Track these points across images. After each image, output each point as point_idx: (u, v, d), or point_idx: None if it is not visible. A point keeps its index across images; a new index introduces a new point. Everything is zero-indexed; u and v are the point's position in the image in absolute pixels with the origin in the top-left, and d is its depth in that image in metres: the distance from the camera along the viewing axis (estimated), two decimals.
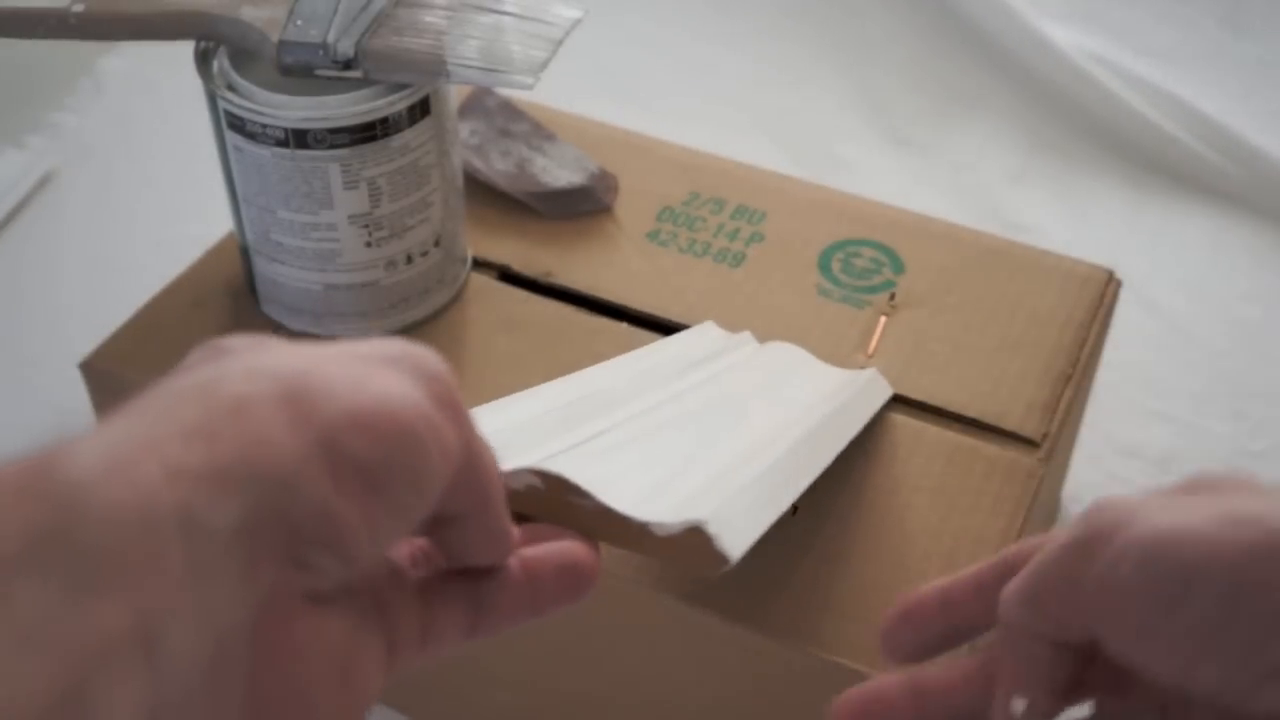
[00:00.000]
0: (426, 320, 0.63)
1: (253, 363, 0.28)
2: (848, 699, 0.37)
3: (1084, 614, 0.32)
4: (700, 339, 0.59)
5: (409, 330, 0.62)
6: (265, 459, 0.26)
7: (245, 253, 0.62)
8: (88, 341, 0.62)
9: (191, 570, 0.24)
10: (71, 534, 0.23)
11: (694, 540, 0.34)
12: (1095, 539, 0.32)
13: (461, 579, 0.33)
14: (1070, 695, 0.35)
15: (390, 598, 0.31)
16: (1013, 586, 0.34)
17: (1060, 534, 0.33)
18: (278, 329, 0.63)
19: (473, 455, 0.31)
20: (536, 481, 0.35)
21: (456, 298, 0.64)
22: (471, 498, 0.31)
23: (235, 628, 0.25)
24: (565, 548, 0.35)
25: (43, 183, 0.97)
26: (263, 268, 0.61)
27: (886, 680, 0.37)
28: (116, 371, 0.61)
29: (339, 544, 0.27)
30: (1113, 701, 0.35)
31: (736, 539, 0.35)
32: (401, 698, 0.65)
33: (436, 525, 0.31)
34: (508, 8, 0.58)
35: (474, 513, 0.31)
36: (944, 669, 0.37)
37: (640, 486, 0.37)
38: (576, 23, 0.57)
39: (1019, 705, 0.34)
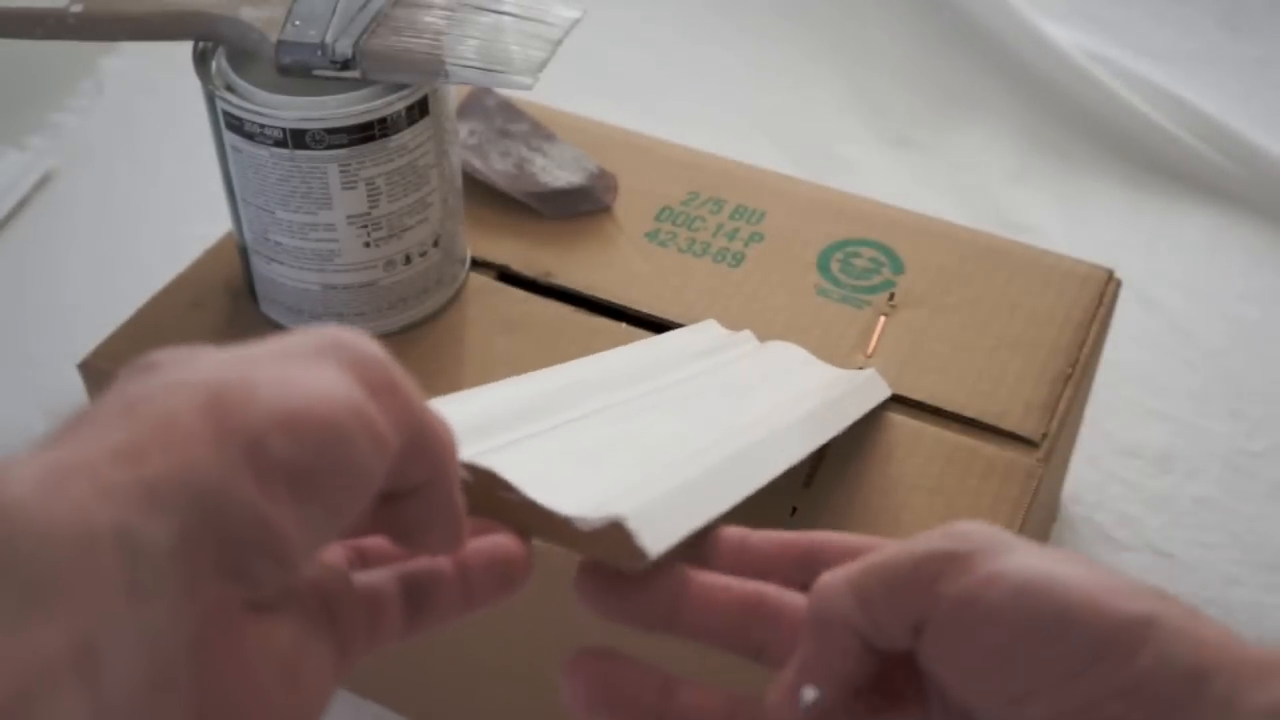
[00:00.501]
0: (425, 320, 0.63)
1: (176, 376, 0.28)
2: (590, 668, 0.36)
3: (920, 625, 0.32)
4: (699, 336, 0.59)
5: (408, 330, 0.62)
6: (193, 473, 0.25)
7: (244, 253, 0.62)
8: (88, 341, 0.62)
9: (129, 589, 0.24)
10: (9, 554, 0.23)
11: (615, 535, 0.34)
12: (960, 559, 0.32)
13: (399, 577, 0.34)
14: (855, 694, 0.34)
15: (336, 597, 0.31)
16: (840, 578, 0.33)
17: (906, 543, 0.33)
18: (277, 329, 0.62)
19: (420, 429, 0.30)
20: (465, 475, 0.35)
21: (455, 298, 0.64)
22: (423, 471, 0.31)
23: (176, 644, 0.25)
24: (497, 543, 0.35)
25: (43, 183, 0.97)
26: (261, 268, 0.61)
27: (636, 666, 0.36)
28: (115, 372, 0.61)
29: (275, 550, 0.27)
30: (886, 704, 0.35)
31: (658, 536, 0.35)
32: (401, 698, 0.65)
33: (388, 503, 0.31)
34: (506, 8, 0.58)
35: (427, 487, 0.31)
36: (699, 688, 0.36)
37: (573, 482, 0.37)
38: (575, 23, 0.57)
39: (809, 695, 0.33)
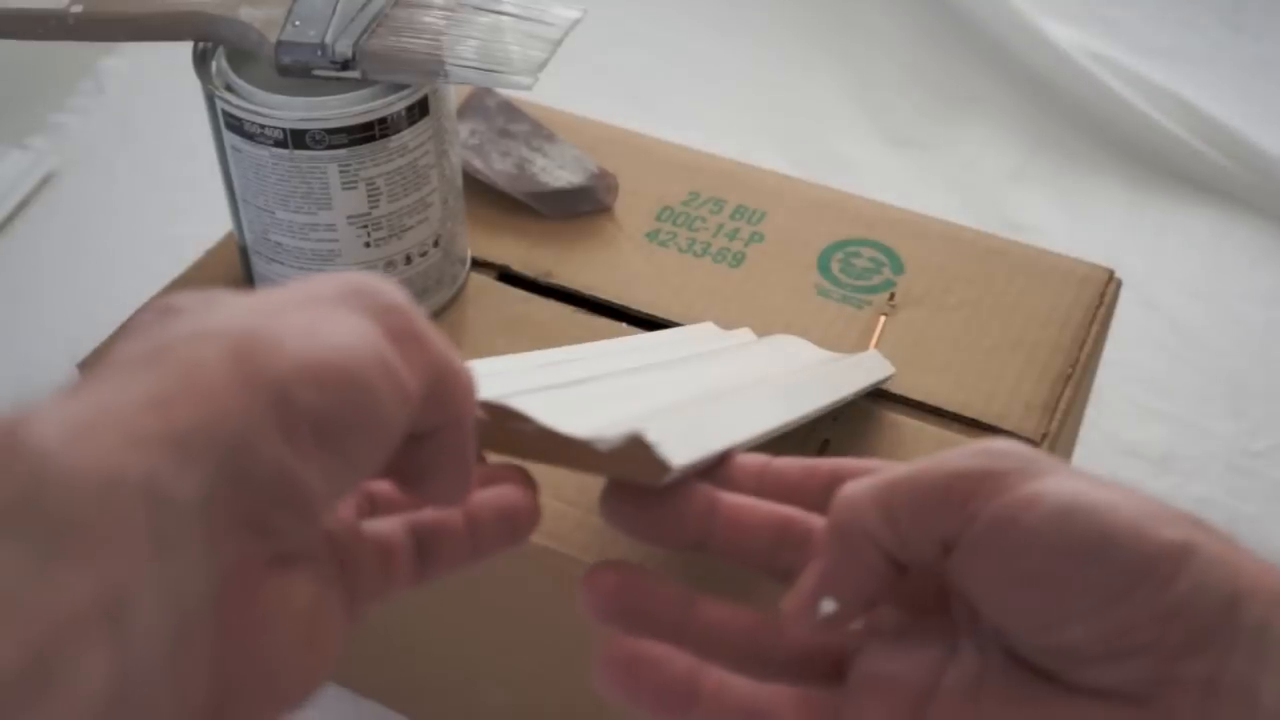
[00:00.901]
0: None
1: (200, 324, 0.27)
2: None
3: (950, 543, 0.31)
4: (698, 332, 0.59)
5: None
6: (220, 424, 0.25)
7: (244, 253, 0.62)
8: (88, 341, 0.62)
9: (156, 540, 0.24)
10: (39, 502, 0.23)
11: (635, 451, 0.34)
12: (996, 477, 0.31)
13: (408, 526, 0.33)
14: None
15: (349, 548, 0.31)
16: (866, 491, 0.33)
17: (937, 458, 0.33)
18: None
19: (441, 376, 0.30)
20: (480, 413, 0.35)
21: (456, 298, 0.64)
22: (440, 416, 0.31)
23: (201, 598, 0.25)
24: (503, 494, 0.35)
25: (44, 183, 0.97)
26: (262, 268, 0.61)
27: (656, 580, 0.36)
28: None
29: (299, 503, 0.27)
30: (909, 616, 0.35)
31: (679, 450, 0.34)
32: (401, 698, 0.65)
33: (401, 446, 0.31)
34: (506, 8, 0.58)
35: (441, 432, 0.31)
36: (725, 608, 0.36)
37: (589, 414, 0.37)
38: (575, 23, 0.57)
39: (828, 607, 0.33)
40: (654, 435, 0.34)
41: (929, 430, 0.57)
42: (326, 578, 0.29)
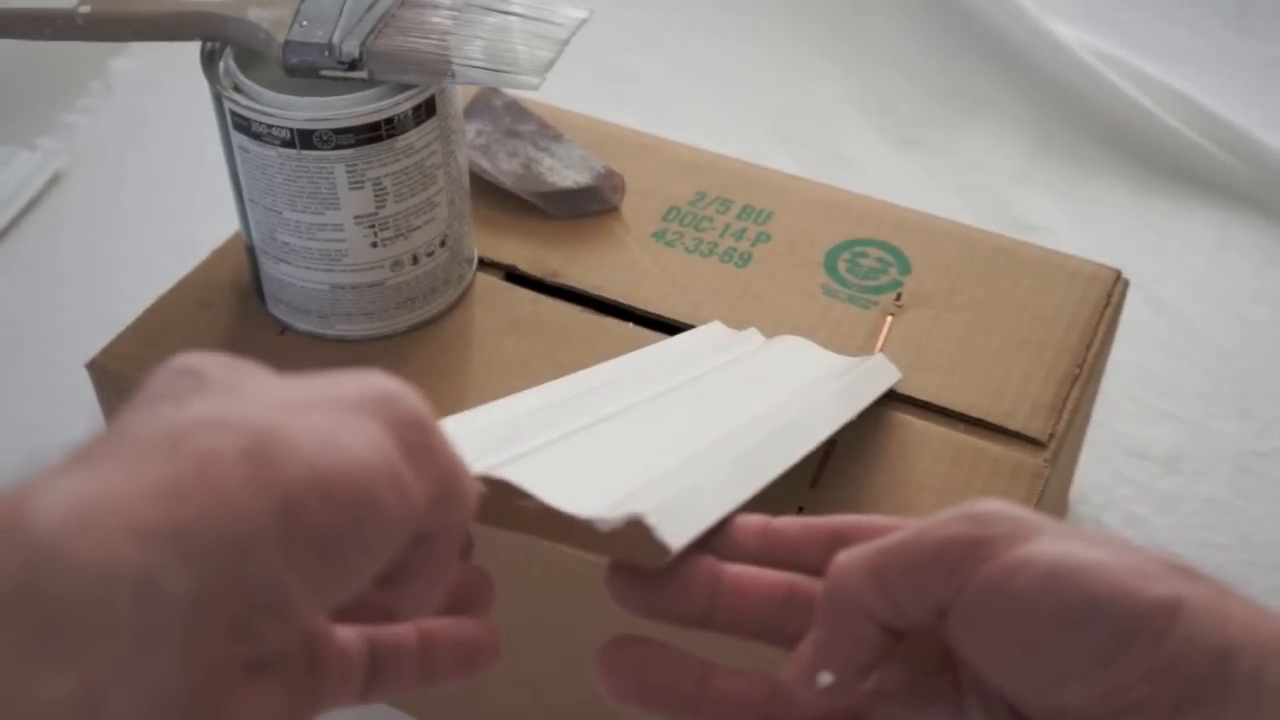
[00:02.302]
0: (432, 320, 0.63)
1: (224, 410, 0.27)
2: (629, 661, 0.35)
3: (944, 609, 0.32)
4: (706, 337, 0.59)
5: (415, 330, 0.62)
6: (225, 524, 0.25)
7: (251, 253, 0.62)
8: (97, 341, 0.62)
9: (140, 637, 0.24)
10: (36, 592, 0.23)
11: (635, 533, 0.34)
12: (984, 544, 0.31)
13: (366, 639, 0.33)
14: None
15: (319, 653, 0.31)
16: (857, 560, 0.33)
17: (925, 525, 0.32)
18: (285, 329, 0.63)
19: (446, 488, 0.30)
20: (480, 487, 0.34)
21: (463, 298, 0.64)
22: (435, 523, 0.30)
23: (175, 697, 0.25)
24: (464, 627, 0.35)
25: (52, 183, 0.97)
26: (269, 268, 0.61)
27: (671, 654, 0.35)
28: (123, 371, 0.61)
29: (288, 612, 0.26)
30: (903, 679, 0.35)
31: (678, 529, 0.34)
32: (409, 698, 0.66)
33: None
34: (513, 8, 0.58)
35: (431, 538, 0.31)
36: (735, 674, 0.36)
37: (588, 485, 0.37)
38: (582, 23, 0.57)
39: (825, 679, 0.33)
40: (654, 518, 0.34)
41: (935, 430, 0.57)
42: (295, 681, 0.30)
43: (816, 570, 0.35)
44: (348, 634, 0.33)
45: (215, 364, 0.30)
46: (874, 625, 0.33)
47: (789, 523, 0.37)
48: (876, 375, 0.57)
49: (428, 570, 0.31)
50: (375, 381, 0.30)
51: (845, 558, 0.33)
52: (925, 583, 0.32)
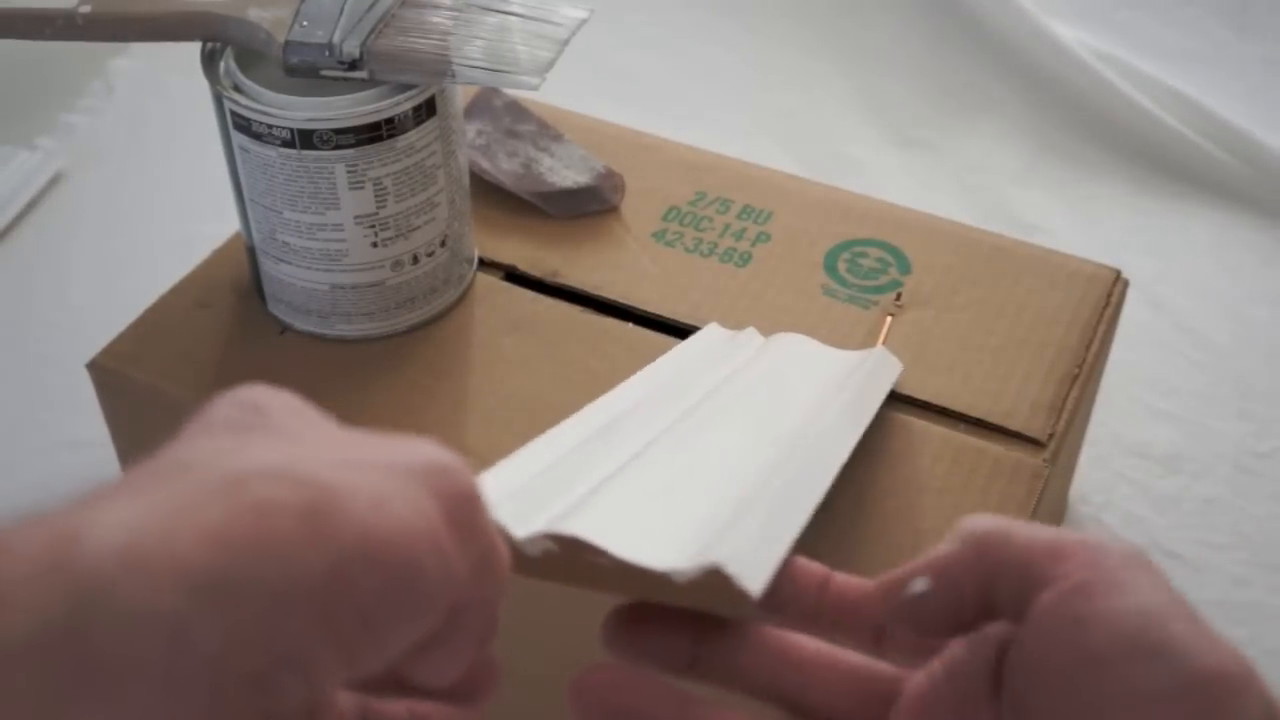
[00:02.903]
0: (433, 320, 0.63)
1: (284, 459, 0.27)
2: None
3: (1027, 600, 0.32)
4: (707, 343, 0.59)
5: (415, 330, 0.62)
6: (272, 579, 0.25)
7: (252, 253, 0.62)
8: (97, 341, 0.62)
9: (169, 683, 0.24)
10: (80, 636, 0.23)
11: (715, 581, 0.33)
12: (1099, 552, 0.32)
13: (361, 710, 0.33)
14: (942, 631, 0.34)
15: (321, 717, 0.31)
16: (1003, 531, 0.33)
17: (1052, 540, 0.33)
18: (285, 329, 0.63)
19: (486, 565, 0.30)
20: (552, 546, 0.34)
21: (463, 298, 0.64)
22: (469, 597, 0.30)
23: None
24: (454, 716, 0.35)
25: (52, 183, 0.97)
26: (269, 268, 0.61)
27: (649, 682, 0.36)
28: (123, 371, 0.61)
29: (314, 674, 0.26)
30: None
31: (756, 573, 0.34)
32: None
33: None
34: (513, 8, 0.58)
35: (463, 612, 0.30)
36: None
37: (655, 530, 0.37)
38: (582, 23, 0.57)
39: (920, 585, 0.33)
40: (734, 566, 0.33)
41: (935, 430, 0.57)
42: None
43: (868, 633, 0.36)
44: (346, 699, 0.33)
45: (279, 404, 0.30)
46: (971, 584, 0.33)
47: (848, 582, 0.37)
48: (882, 372, 0.57)
49: (454, 643, 0.31)
50: (430, 451, 0.30)
51: (984, 517, 0.34)
52: (1037, 562, 0.32)
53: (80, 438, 0.76)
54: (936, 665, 0.35)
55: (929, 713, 0.34)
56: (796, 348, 0.59)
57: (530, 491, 0.37)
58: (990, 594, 0.33)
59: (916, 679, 0.35)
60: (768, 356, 0.58)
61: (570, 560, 0.35)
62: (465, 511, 0.29)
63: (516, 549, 0.34)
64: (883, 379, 0.57)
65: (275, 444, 0.28)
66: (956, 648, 0.34)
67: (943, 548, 0.34)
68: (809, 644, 0.36)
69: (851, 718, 0.35)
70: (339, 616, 0.26)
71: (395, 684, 0.33)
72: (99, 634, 0.23)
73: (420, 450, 0.30)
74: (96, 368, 0.62)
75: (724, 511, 0.39)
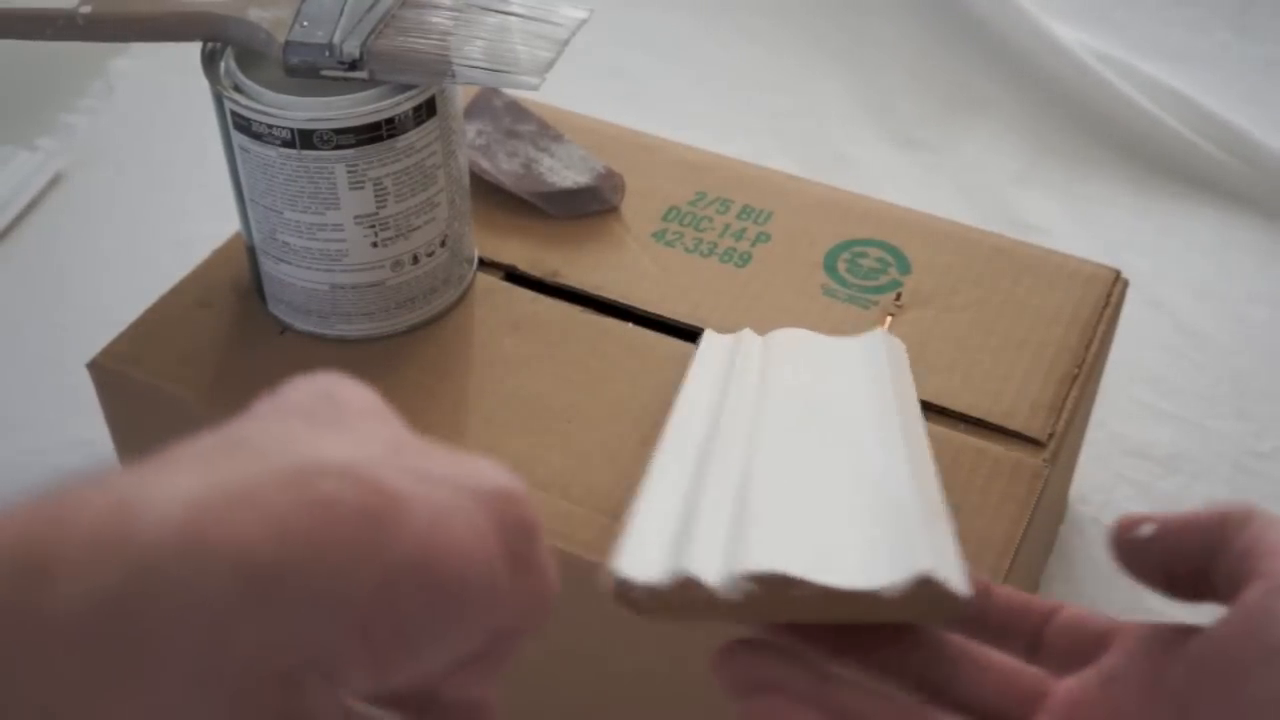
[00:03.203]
0: (433, 320, 0.63)
1: (355, 458, 0.26)
2: None
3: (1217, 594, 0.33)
4: (714, 353, 0.58)
5: (415, 330, 0.62)
6: (322, 579, 0.25)
7: (252, 253, 0.62)
8: (97, 341, 0.62)
9: (204, 671, 0.24)
10: (131, 612, 0.23)
11: (924, 591, 0.33)
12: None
13: None
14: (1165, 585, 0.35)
15: None
16: (1239, 513, 0.34)
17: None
18: (285, 329, 0.63)
19: (538, 603, 0.29)
20: (752, 586, 0.34)
21: (463, 298, 0.64)
22: (513, 627, 0.30)
23: None
24: None
25: (53, 183, 0.97)
26: (269, 268, 0.61)
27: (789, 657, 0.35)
28: (123, 371, 0.61)
29: (341, 679, 0.26)
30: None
31: (959, 577, 0.34)
32: None
33: None
34: (513, 8, 0.58)
35: (493, 649, 0.30)
36: None
37: (832, 553, 0.36)
38: (582, 23, 0.57)
39: (1149, 529, 0.35)
40: (941, 572, 0.33)
41: (936, 430, 0.57)
42: None
43: (1020, 644, 0.36)
44: (362, 709, 0.33)
45: (357, 398, 0.29)
46: (1196, 549, 0.34)
47: (1010, 591, 0.38)
48: (899, 357, 0.56)
49: (484, 665, 0.31)
50: (498, 476, 0.29)
51: (1246, 503, 0.35)
52: (1247, 564, 0.33)
53: (80, 438, 0.76)
54: (1091, 671, 0.35)
55: (1080, 715, 0.34)
56: (806, 344, 0.58)
57: (678, 541, 0.37)
58: (1209, 567, 0.33)
59: (1067, 682, 0.35)
60: (785, 357, 0.57)
61: (770, 597, 0.34)
62: (524, 542, 0.29)
63: (709, 595, 0.34)
64: (902, 362, 0.57)
65: (347, 440, 0.28)
66: (1113, 656, 0.35)
67: (1192, 509, 0.35)
68: (955, 638, 0.36)
69: (996, 712, 0.35)
70: (379, 628, 0.26)
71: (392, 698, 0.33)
72: (149, 613, 0.23)
73: (489, 473, 0.29)
74: (96, 368, 0.62)
75: (880, 521, 0.39)
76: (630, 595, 0.34)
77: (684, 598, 0.34)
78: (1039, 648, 0.36)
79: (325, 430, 0.28)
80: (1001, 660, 0.36)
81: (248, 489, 0.25)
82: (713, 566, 0.34)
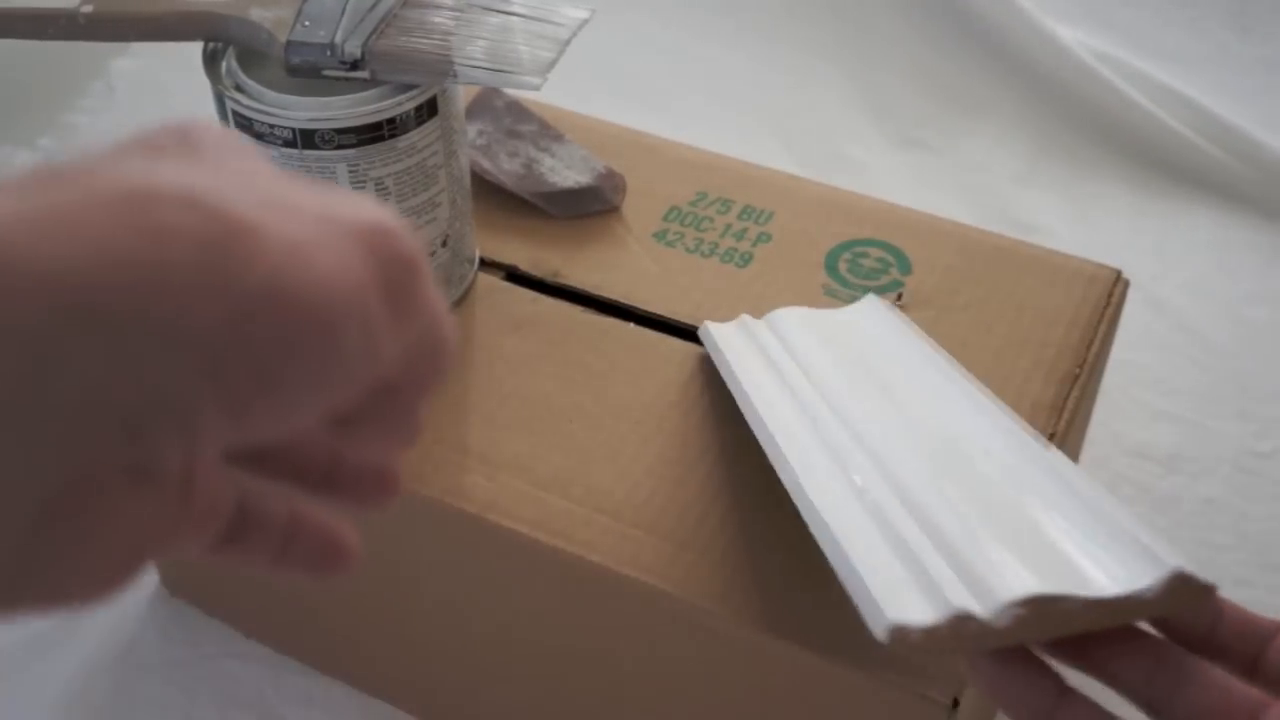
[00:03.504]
0: None
1: (199, 185, 0.23)
2: None
3: None
4: (735, 339, 0.58)
5: None
6: (160, 310, 0.22)
7: None
8: None
9: (21, 413, 0.21)
10: None
11: (1182, 587, 0.35)
12: None
13: (238, 494, 0.30)
14: None
15: (195, 487, 0.27)
16: None
17: None
18: None
19: (426, 344, 0.27)
20: (1021, 611, 0.35)
21: (464, 298, 0.64)
22: (405, 378, 0.27)
23: (45, 485, 0.22)
24: (333, 525, 0.32)
25: None
26: None
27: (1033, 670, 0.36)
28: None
29: (189, 427, 0.23)
30: None
31: (1196, 570, 0.36)
32: (411, 698, 0.66)
33: None
34: (515, 8, 0.58)
35: (400, 391, 0.28)
36: None
37: (1065, 558, 0.38)
38: (584, 23, 0.57)
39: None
40: (1190, 566, 0.35)
41: None
42: (165, 505, 0.25)
43: (1241, 660, 0.37)
44: (224, 487, 0.29)
45: (214, 136, 0.26)
46: None
47: (1234, 609, 0.38)
48: (898, 317, 0.58)
49: (382, 426, 0.28)
50: (373, 209, 0.26)
51: None
52: None
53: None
54: None
55: None
56: (819, 321, 0.59)
57: (916, 577, 0.38)
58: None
59: None
60: (816, 342, 0.57)
61: (1034, 617, 0.35)
62: (404, 279, 0.26)
63: (981, 626, 0.35)
64: (908, 322, 0.58)
65: (194, 170, 0.24)
66: None
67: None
68: (1177, 650, 0.37)
69: None
70: (232, 368, 0.23)
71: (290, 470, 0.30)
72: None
73: (363, 207, 0.26)
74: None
75: (1074, 518, 0.40)
76: (909, 640, 0.36)
77: (958, 632, 0.35)
78: (1259, 667, 0.37)
79: (169, 160, 0.25)
80: (1222, 677, 0.36)
81: (69, 214, 0.22)
82: (968, 596, 0.36)
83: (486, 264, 0.66)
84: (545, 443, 0.57)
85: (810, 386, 0.52)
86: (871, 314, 0.59)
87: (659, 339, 0.61)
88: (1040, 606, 0.35)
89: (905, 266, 0.65)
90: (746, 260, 0.66)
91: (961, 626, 0.35)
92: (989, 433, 0.47)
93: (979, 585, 0.37)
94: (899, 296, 0.63)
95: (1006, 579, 0.37)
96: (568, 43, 0.56)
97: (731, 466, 0.55)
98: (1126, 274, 0.66)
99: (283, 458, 0.31)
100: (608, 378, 0.60)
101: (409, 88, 0.56)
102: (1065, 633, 0.36)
